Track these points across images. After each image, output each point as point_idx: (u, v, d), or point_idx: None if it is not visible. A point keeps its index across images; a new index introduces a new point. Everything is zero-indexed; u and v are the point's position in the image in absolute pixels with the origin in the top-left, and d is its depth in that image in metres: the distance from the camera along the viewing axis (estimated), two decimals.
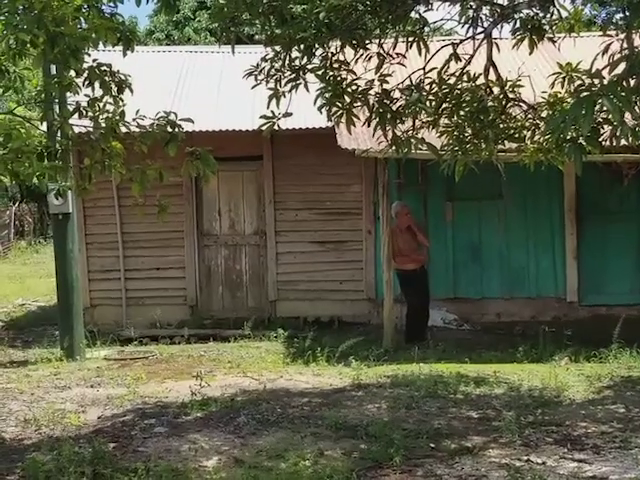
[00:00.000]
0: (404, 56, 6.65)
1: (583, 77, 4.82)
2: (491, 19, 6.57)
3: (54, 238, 10.81)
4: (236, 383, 8.48)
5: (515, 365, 8.97)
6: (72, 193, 6.91)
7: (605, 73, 4.75)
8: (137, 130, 5.98)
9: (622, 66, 4.79)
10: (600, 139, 5.00)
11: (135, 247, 12.20)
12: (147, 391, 8.26)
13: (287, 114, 6.33)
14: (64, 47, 5.25)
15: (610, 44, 5.09)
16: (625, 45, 4.93)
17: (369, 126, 6.59)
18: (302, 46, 6.18)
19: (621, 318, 9.55)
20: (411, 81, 6.53)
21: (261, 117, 6.39)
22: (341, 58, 6.51)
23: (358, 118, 6.43)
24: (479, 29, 6.58)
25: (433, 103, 6.56)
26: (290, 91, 6.43)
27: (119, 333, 11.45)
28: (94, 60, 5.76)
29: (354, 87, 6.41)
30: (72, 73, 5.90)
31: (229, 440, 6.57)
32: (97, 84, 5.84)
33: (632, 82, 4.71)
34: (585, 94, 4.44)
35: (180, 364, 9.79)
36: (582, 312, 11.77)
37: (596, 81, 4.62)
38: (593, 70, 4.77)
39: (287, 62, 6.36)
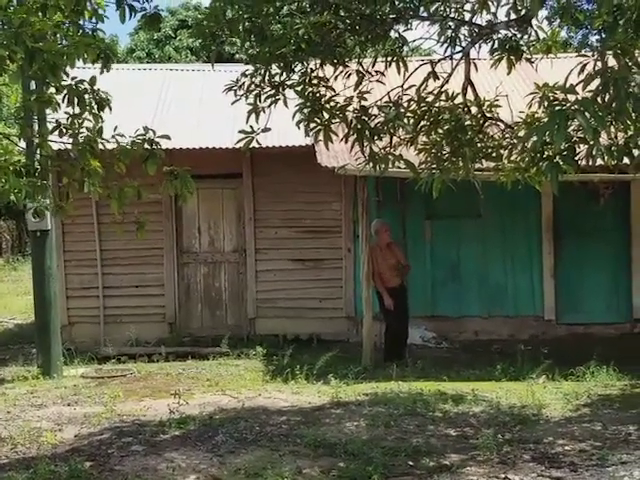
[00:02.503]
0: (383, 74, 6.71)
1: (557, 92, 4.87)
2: (469, 39, 6.64)
3: (32, 255, 10.75)
4: (214, 401, 8.45)
5: (493, 383, 8.99)
6: (50, 211, 6.87)
7: (579, 89, 4.81)
8: (115, 147, 5.96)
9: (596, 83, 4.85)
10: (576, 158, 5.06)
11: (114, 264, 12.15)
12: (125, 409, 8.20)
13: (266, 129, 6.35)
14: (42, 63, 5.24)
15: (586, 64, 5.16)
16: (599, 64, 5.00)
17: (347, 142, 6.62)
18: (282, 63, 6.22)
19: (598, 336, 9.61)
20: (389, 98, 6.57)
21: (240, 132, 6.41)
22: (320, 75, 6.55)
23: (336, 134, 6.46)
24: (457, 48, 6.65)
25: (411, 121, 6.60)
26: (269, 106, 6.46)
27: (97, 351, 11.38)
28: (73, 78, 5.74)
29: (333, 103, 6.45)
30: (52, 90, 5.88)
31: (207, 459, 6.53)
32: (76, 101, 5.82)
33: (606, 99, 4.77)
34: (558, 108, 4.50)
35: (158, 382, 9.74)
36: (560, 330, 11.84)
37: (570, 97, 4.68)
38: (567, 86, 4.83)
39: (267, 78, 6.39)
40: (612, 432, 7.07)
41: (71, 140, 5.98)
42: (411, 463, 6.32)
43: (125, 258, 12.06)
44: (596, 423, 7.36)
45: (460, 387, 8.74)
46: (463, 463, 6.30)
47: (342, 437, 6.97)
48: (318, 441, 6.82)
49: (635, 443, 6.68)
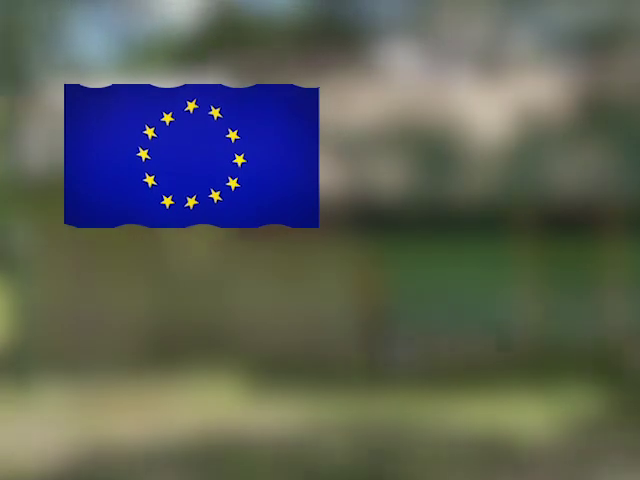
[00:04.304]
0: (361, 96, 6.73)
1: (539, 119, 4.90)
2: (447, 59, 6.68)
3: (9, 274, 10.68)
4: (192, 423, 8.40)
5: (470, 403, 9.01)
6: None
7: (560, 113, 4.84)
8: None
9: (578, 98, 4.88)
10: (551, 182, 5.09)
11: (92, 286, 12.10)
12: (100, 434, 8.13)
13: None
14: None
15: (564, 81, 5.19)
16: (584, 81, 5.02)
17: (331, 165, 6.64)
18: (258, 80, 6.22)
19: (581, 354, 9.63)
20: (370, 122, 6.59)
21: None
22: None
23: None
24: (436, 69, 6.68)
25: (389, 144, 6.62)
26: None
27: (73, 371, 11.31)
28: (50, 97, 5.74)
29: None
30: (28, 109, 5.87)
31: None
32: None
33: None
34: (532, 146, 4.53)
35: (136, 405, 9.67)
36: (540, 348, 11.89)
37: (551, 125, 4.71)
38: (548, 111, 4.86)
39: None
40: (589, 452, 7.09)
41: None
42: None
43: (103, 277, 12.02)
44: (573, 443, 7.39)
45: (437, 408, 8.75)
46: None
47: (324, 462, 6.94)
48: (300, 466, 6.79)
49: None
